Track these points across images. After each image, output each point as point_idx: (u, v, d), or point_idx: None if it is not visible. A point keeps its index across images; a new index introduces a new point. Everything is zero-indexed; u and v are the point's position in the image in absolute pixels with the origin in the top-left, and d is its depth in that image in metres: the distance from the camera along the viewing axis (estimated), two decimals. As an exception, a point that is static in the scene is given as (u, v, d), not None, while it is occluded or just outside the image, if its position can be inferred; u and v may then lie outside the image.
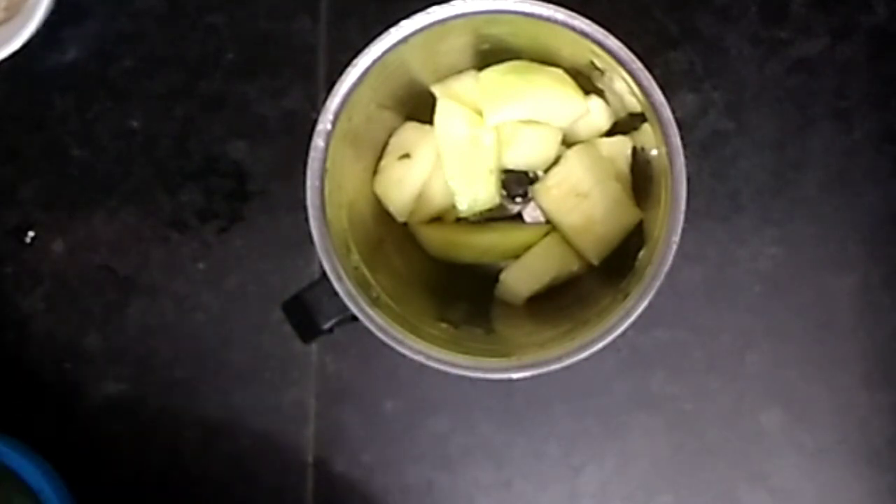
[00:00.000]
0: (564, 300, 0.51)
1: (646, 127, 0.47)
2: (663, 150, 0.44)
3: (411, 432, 0.57)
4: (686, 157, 0.43)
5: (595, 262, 0.50)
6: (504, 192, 0.52)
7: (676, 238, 0.43)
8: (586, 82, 0.50)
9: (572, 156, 0.50)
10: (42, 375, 0.57)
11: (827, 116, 0.56)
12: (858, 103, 0.56)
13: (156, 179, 0.57)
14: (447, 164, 0.50)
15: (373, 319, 0.45)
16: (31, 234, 0.58)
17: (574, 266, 0.51)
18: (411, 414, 0.57)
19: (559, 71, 0.50)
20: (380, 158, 0.52)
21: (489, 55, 0.50)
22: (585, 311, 0.47)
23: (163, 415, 0.57)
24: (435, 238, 0.52)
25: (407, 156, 0.51)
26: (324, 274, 0.45)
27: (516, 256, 0.51)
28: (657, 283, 0.43)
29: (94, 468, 0.56)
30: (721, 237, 0.56)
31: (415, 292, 0.51)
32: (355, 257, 0.47)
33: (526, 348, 0.46)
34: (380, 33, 0.45)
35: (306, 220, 0.45)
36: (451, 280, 0.53)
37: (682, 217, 0.43)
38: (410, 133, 0.52)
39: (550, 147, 0.50)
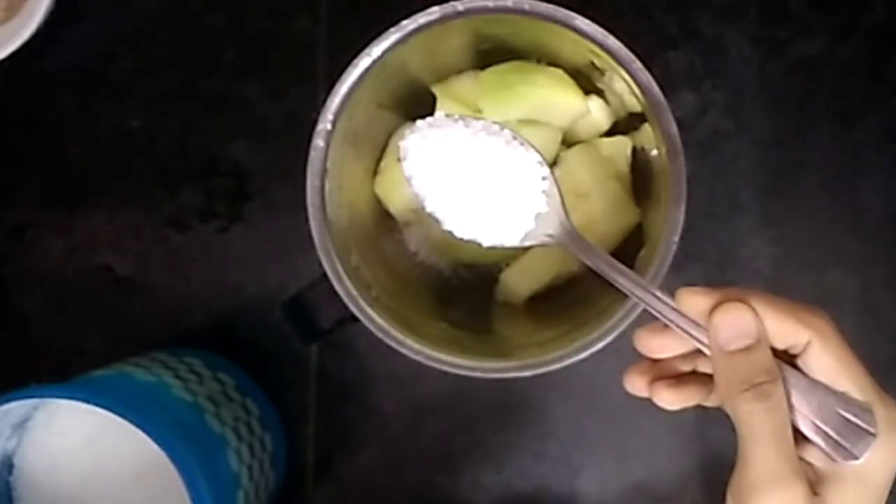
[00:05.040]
0: (564, 300, 0.51)
1: (646, 127, 0.47)
2: (663, 150, 0.44)
3: (411, 432, 0.57)
4: (686, 157, 0.43)
5: (595, 262, 0.50)
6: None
7: (676, 238, 0.43)
8: (586, 82, 0.50)
9: (572, 156, 0.50)
10: (42, 375, 0.57)
11: (827, 116, 0.56)
12: (858, 103, 0.56)
13: (156, 179, 0.57)
14: (447, 164, 0.50)
15: (373, 319, 0.45)
16: (30, 234, 0.58)
17: (574, 266, 0.51)
18: (411, 414, 0.57)
19: (559, 71, 0.50)
20: (380, 158, 0.52)
21: (489, 55, 0.50)
22: (585, 311, 0.47)
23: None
24: (435, 238, 0.52)
25: (407, 156, 0.51)
26: (324, 274, 0.45)
27: (516, 256, 0.51)
28: (657, 283, 0.43)
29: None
30: (721, 237, 0.56)
31: (415, 292, 0.51)
32: (355, 257, 0.47)
33: (526, 348, 0.46)
34: (380, 33, 0.45)
35: (306, 220, 0.45)
36: (451, 280, 0.53)
37: (682, 217, 0.43)
38: (410, 133, 0.52)
39: (550, 147, 0.50)
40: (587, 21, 0.44)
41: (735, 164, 0.56)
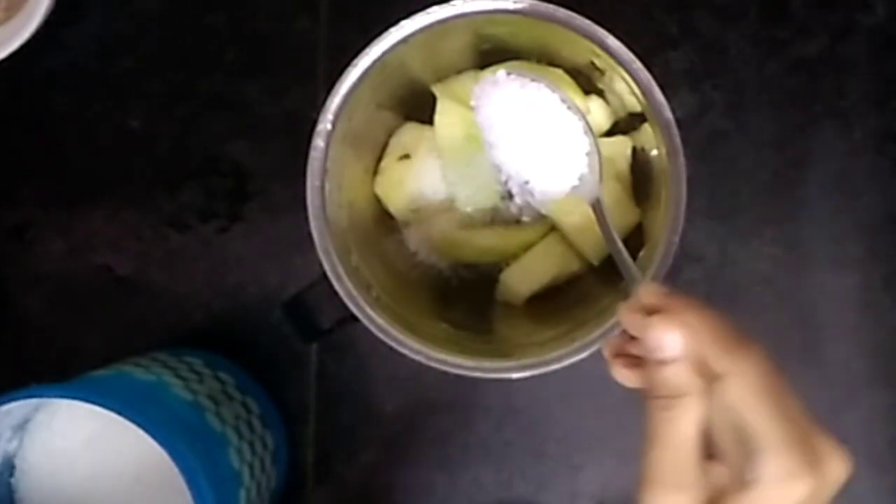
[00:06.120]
0: (564, 300, 0.51)
1: (646, 127, 0.47)
2: (663, 150, 0.44)
3: (411, 432, 0.57)
4: (686, 157, 0.43)
5: (595, 262, 0.50)
6: (504, 192, 0.52)
7: (676, 238, 0.43)
8: (586, 82, 0.50)
9: (572, 156, 0.50)
10: (42, 375, 0.57)
11: (827, 116, 0.56)
12: (858, 103, 0.56)
13: (156, 179, 0.57)
14: (447, 163, 0.50)
15: (373, 319, 0.45)
16: (30, 234, 0.58)
17: (574, 266, 0.51)
18: (411, 414, 0.57)
19: (559, 71, 0.50)
20: (380, 158, 0.52)
21: (489, 55, 0.50)
22: (585, 311, 0.47)
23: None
24: (435, 238, 0.52)
25: (407, 156, 0.51)
26: (324, 274, 0.45)
27: (516, 256, 0.51)
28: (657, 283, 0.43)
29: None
30: (721, 237, 0.56)
31: (415, 292, 0.51)
32: (355, 257, 0.47)
33: (526, 348, 0.46)
34: (380, 33, 0.45)
35: (306, 220, 0.45)
36: (451, 280, 0.53)
37: (682, 217, 0.43)
38: (410, 133, 0.52)
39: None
40: (587, 21, 0.44)
41: (735, 164, 0.56)
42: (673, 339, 0.35)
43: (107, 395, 0.45)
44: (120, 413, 0.43)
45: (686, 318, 0.35)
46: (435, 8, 0.44)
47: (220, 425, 0.49)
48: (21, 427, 0.50)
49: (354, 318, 0.45)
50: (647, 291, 0.37)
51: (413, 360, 0.45)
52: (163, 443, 0.43)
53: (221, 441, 0.48)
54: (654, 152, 0.47)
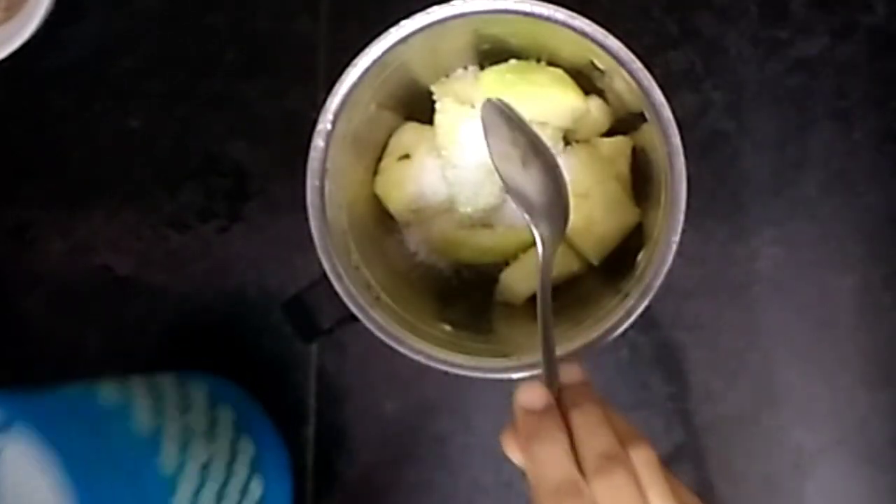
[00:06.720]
0: (564, 300, 0.51)
1: (646, 127, 0.47)
2: (663, 150, 0.44)
3: (411, 432, 0.57)
4: (686, 157, 0.43)
5: (595, 262, 0.50)
6: (504, 192, 0.52)
7: (676, 238, 0.43)
8: (586, 82, 0.50)
9: (572, 155, 0.50)
10: (42, 375, 0.57)
11: (827, 116, 0.56)
12: (858, 103, 0.56)
13: (156, 179, 0.57)
14: (447, 164, 0.50)
15: (373, 319, 0.45)
16: (30, 234, 0.58)
17: (574, 266, 0.51)
18: (411, 414, 0.57)
19: (559, 71, 0.50)
20: (380, 159, 0.52)
21: (489, 55, 0.50)
22: (585, 311, 0.47)
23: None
24: (435, 238, 0.52)
25: (407, 156, 0.51)
26: (324, 274, 0.45)
27: (516, 256, 0.51)
28: (657, 283, 0.43)
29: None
30: (721, 237, 0.56)
31: (415, 292, 0.51)
32: (355, 257, 0.47)
33: (526, 348, 0.46)
34: (380, 33, 0.45)
35: (306, 220, 0.45)
36: (451, 280, 0.53)
37: (682, 217, 0.43)
38: (410, 133, 0.52)
39: (550, 147, 0.50)
40: (587, 21, 0.44)
41: (735, 164, 0.56)
42: (513, 457, 0.38)
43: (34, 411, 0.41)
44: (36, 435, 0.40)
45: (569, 414, 0.37)
46: (435, 8, 0.44)
47: (174, 465, 0.45)
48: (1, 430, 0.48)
49: (354, 318, 0.45)
50: (531, 390, 0.39)
51: (413, 360, 0.45)
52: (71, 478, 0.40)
53: (165, 483, 0.44)
54: (655, 152, 0.47)
